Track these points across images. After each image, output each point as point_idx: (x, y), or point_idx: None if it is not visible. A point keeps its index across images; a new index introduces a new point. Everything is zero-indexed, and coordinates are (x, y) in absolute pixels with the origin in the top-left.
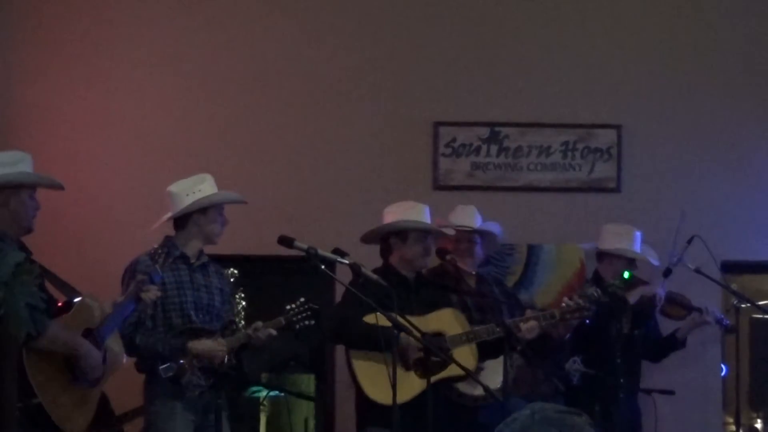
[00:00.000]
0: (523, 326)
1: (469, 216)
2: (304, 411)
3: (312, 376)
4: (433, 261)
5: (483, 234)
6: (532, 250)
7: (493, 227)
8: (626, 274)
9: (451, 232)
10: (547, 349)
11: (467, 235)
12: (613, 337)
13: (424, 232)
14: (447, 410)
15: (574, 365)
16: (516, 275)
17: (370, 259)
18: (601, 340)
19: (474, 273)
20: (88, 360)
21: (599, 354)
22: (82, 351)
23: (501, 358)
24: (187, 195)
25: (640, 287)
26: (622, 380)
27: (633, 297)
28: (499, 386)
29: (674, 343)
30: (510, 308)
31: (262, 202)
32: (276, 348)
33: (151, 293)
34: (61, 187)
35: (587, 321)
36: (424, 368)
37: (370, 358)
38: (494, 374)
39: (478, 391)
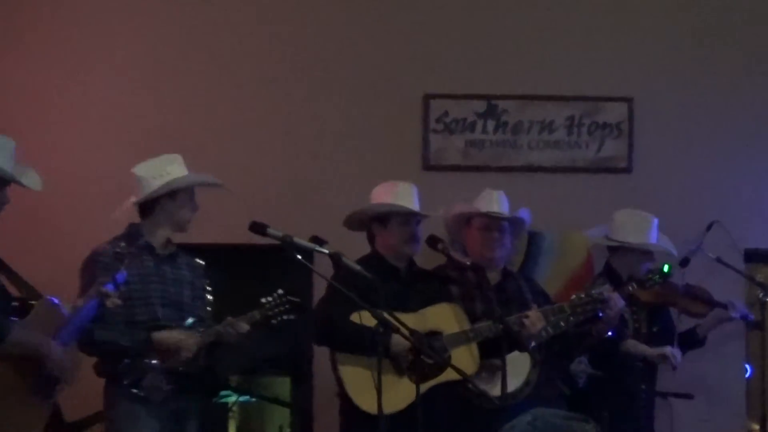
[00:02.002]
0: (528, 321)
1: (499, 202)
2: (279, 418)
3: (288, 380)
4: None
5: (513, 222)
6: (533, 238)
7: (524, 214)
8: (666, 267)
9: (433, 214)
10: (581, 347)
11: (497, 224)
12: (632, 337)
13: (407, 216)
14: (462, 414)
15: (580, 366)
16: (515, 266)
17: (364, 247)
18: (614, 340)
19: (500, 267)
20: (53, 359)
21: (608, 353)
22: (45, 350)
23: (527, 356)
24: (155, 178)
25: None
26: (643, 386)
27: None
28: (520, 386)
29: (693, 340)
30: (539, 304)
31: (234, 185)
32: (247, 347)
33: (110, 301)
34: (37, 187)
35: (600, 315)
36: (416, 372)
37: (359, 362)
38: (518, 374)
39: (497, 390)
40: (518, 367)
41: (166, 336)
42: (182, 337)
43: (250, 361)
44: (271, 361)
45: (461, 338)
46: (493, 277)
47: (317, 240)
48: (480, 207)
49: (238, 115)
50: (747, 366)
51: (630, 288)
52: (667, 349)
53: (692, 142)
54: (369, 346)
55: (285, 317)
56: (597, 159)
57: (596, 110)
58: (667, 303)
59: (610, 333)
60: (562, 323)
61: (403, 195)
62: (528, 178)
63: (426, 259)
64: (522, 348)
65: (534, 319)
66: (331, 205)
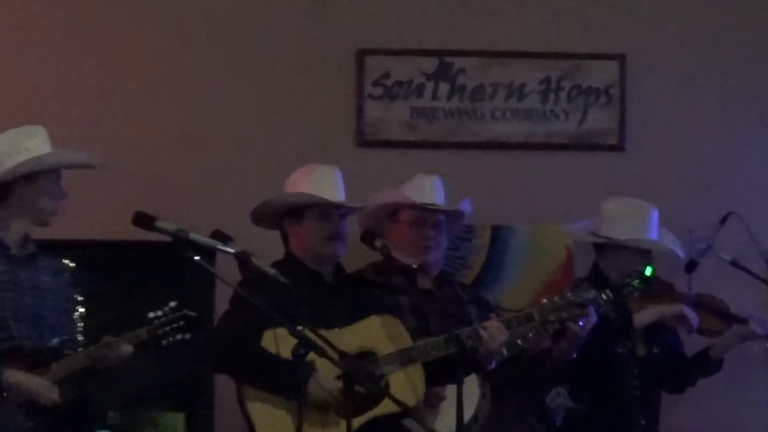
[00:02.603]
0: (485, 333)
1: (433, 190)
2: None
3: (182, 416)
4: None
5: (451, 216)
6: (498, 234)
7: (465, 206)
8: (648, 270)
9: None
10: (539, 374)
11: (432, 218)
12: (624, 361)
13: (325, 208)
14: None
15: (558, 399)
16: (474, 270)
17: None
18: (604, 364)
19: (433, 272)
20: None
21: (595, 383)
22: None
23: (474, 383)
24: (9, 155)
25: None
26: (643, 421)
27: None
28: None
29: (706, 365)
30: (482, 318)
31: (118, 167)
32: (130, 375)
33: None
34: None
35: (581, 323)
36: (346, 406)
37: (272, 397)
38: (468, 402)
39: (444, 427)
40: (465, 396)
41: (17, 381)
42: (37, 389)
43: (134, 392)
44: (161, 393)
45: (401, 359)
46: (424, 283)
47: (220, 236)
48: (409, 196)
49: (127, 81)
50: None
51: (603, 297)
52: (683, 307)
53: (702, 113)
54: (284, 384)
55: (178, 337)
56: (580, 133)
57: (578, 70)
58: (672, 317)
59: (573, 355)
60: (530, 335)
61: (322, 181)
62: (491, 158)
63: (363, 261)
64: (480, 369)
65: (494, 331)
66: (242, 195)
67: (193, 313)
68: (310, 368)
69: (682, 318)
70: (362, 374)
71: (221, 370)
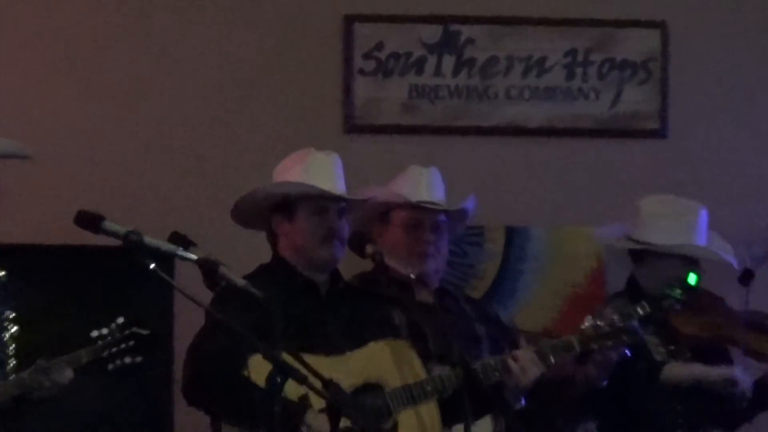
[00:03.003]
0: (515, 366)
1: (431, 184)
2: None
3: None
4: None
5: (453, 215)
6: (514, 238)
7: (470, 204)
8: (692, 279)
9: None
10: (561, 406)
11: (431, 219)
12: (666, 391)
13: (322, 201)
14: None
15: None
16: (484, 280)
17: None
18: (641, 394)
19: (433, 283)
20: None
21: (631, 417)
22: None
23: (488, 418)
24: None
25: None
26: None
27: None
28: None
29: (764, 397)
30: (493, 340)
31: (55, 156)
32: (72, 406)
33: None
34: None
35: (628, 353)
36: None
37: None
38: None
39: None
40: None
41: None
42: None
43: (76, 426)
44: (111, 427)
45: (413, 395)
46: (423, 297)
47: (180, 239)
48: (403, 193)
49: (67, 57)
50: None
51: (639, 310)
52: (735, 370)
53: (761, 92)
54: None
55: (127, 360)
56: (613, 116)
57: (611, 41)
58: (723, 339)
59: (603, 382)
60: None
61: (317, 169)
62: (505, 146)
63: (354, 268)
64: (505, 409)
65: (526, 363)
66: (207, 192)
67: (145, 331)
68: (304, 404)
69: (730, 384)
70: (359, 412)
71: (194, 401)
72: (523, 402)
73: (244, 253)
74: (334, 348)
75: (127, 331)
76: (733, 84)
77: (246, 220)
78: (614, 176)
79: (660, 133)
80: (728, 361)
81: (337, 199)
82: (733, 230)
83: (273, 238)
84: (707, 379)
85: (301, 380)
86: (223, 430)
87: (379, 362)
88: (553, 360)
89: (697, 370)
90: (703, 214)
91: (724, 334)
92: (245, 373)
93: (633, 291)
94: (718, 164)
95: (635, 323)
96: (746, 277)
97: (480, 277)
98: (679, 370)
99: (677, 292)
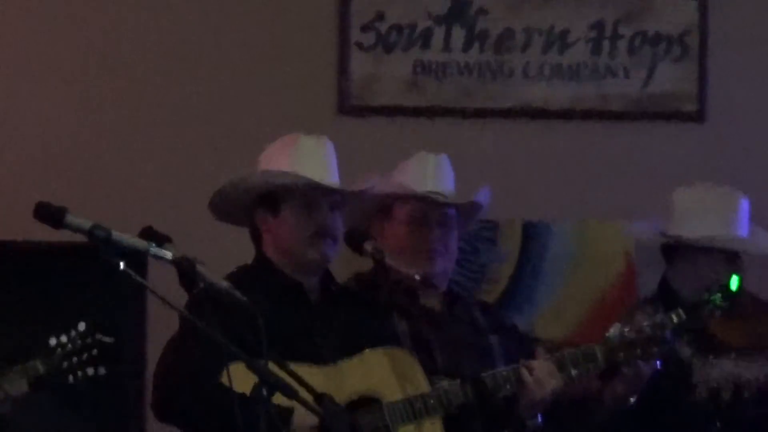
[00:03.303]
0: (529, 377)
1: (439, 174)
2: None
3: None
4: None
5: (464, 209)
6: (533, 234)
7: (483, 196)
8: (734, 282)
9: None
10: (585, 428)
11: (439, 213)
12: (704, 410)
13: (312, 192)
14: None
15: None
16: (499, 284)
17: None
18: (674, 414)
19: (441, 287)
20: None
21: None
22: None
23: None
24: None
25: None
26: None
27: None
28: None
29: None
30: (508, 352)
31: (19, 144)
32: (28, 423)
33: None
34: None
35: (659, 365)
36: None
37: None
38: None
39: None
40: None
41: None
42: None
43: None
44: None
45: (415, 410)
46: (429, 302)
47: (153, 235)
48: (407, 184)
49: (30, 36)
50: None
51: (674, 319)
52: None
53: None
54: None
55: (89, 371)
56: (645, 97)
57: (643, 12)
58: None
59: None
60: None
61: (306, 156)
62: (523, 130)
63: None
64: (517, 426)
65: (542, 374)
66: (186, 183)
67: (109, 339)
68: (288, 414)
69: None
70: (357, 429)
71: (165, 417)
72: (539, 420)
73: (228, 252)
74: (324, 360)
75: (89, 339)
76: None
77: (226, 215)
78: (646, 165)
79: (698, 116)
80: None
81: (328, 191)
82: None
83: (256, 235)
84: (748, 376)
85: (291, 394)
86: None
87: (376, 373)
88: (573, 372)
89: (736, 367)
90: (744, 205)
91: None
92: (224, 382)
93: (666, 295)
94: (762, 150)
95: (668, 332)
96: None
97: (493, 279)
98: (713, 368)
99: (717, 297)
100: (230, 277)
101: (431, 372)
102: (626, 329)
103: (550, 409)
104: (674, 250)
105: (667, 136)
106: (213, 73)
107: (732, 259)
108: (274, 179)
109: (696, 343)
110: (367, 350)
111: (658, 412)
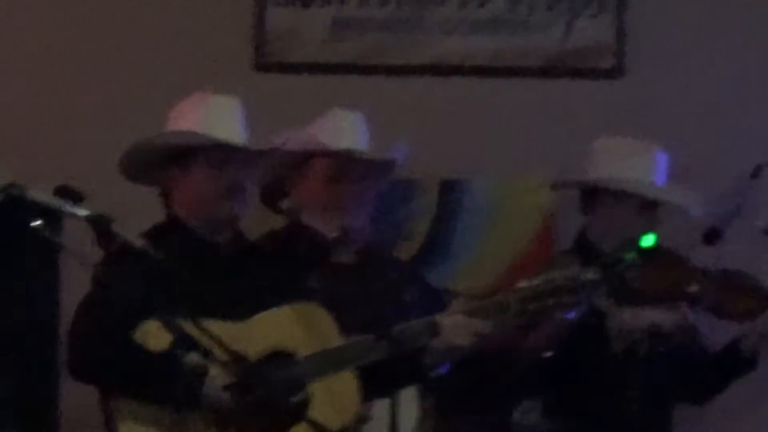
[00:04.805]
0: (445, 324)
1: (354, 130)
2: None
3: None
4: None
5: (380, 166)
6: (450, 191)
7: (399, 152)
8: (649, 240)
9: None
10: (501, 382)
11: (354, 169)
12: (620, 363)
13: (218, 151)
14: None
15: (530, 417)
16: (415, 240)
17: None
18: (586, 368)
19: (357, 242)
20: None
21: (579, 394)
22: None
23: (415, 395)
24: None
25: None
26: None
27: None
28: None
29: (735, 360)
30: (422, 307)
31: None
32: None
33: None
34: None
35: (572, 313)
36: (246, 424)
37: (151, 413)
38: (404, 424)
39: None
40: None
41: None
42: None
43: None
44: None
45: (328, 364)
46: (344, 259)
47: (68, 193)
48: (322, 140)
49: None
50: None
51: (589, 276)
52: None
53: (732, 23)
54: (168, 391)
55: None
56: (563, 52)
57: None
58: (684, 295)
59: (549, 353)
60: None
61: (216, 115)
62: (440, 86)
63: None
64: (419, 377)
65: (456, 323)
66: (96, 139)
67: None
68: (203, 370)
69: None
70: (268, 382)
71: (81, 375)
72: (444, 369)
73: (140, 212)
74: (237, 317)
75: None
76: (700, 15)
77: (136, 175)
78: (565, 120)
79: (616, 71)
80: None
81: (237, 149)
82: (698, 181)
83: (167, 195)
84: (663, 324)
85: (206, 353)
86: (113, 406)
87: (288, 328)
88: (486, 324)
89: (651, 314)
90: (662, 157)
91: (686, 290)
92: (137, 341)
93: (582, 248)
94: (682, 107)
95: (581, 285)
96: (712, 235)
97: (410, 237)
98: (629, 316)
99: (630, 254)
100: (143, 237)
101: (345, 327)
102: (537, 280)
103: (469, 362)
104: (592, 199)
105: (586, 92)
106: (126, 27)
107: (648, 209)
108: (182, 139)
109: (612, 292)
110: (279, 306)
111: (575, 364)
